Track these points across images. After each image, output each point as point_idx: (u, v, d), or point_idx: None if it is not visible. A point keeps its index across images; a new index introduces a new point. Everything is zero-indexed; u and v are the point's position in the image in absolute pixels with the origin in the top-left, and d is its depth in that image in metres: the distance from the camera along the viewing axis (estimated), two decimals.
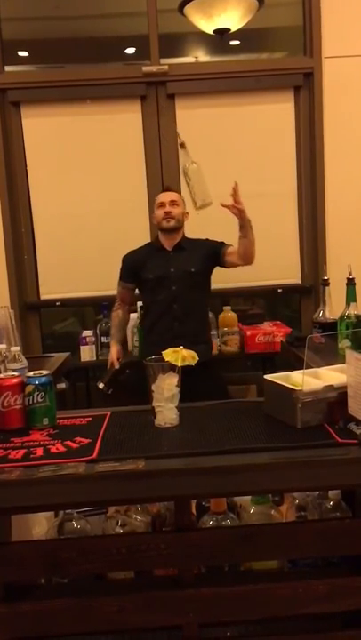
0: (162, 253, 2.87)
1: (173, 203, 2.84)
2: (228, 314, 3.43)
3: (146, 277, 2.85)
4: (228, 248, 2.81)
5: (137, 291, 3.00)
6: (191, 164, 2.91)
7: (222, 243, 2.86)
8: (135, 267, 2.89)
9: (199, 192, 3.21)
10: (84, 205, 3.50)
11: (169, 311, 2.81)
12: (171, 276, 2.81)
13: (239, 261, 2.77)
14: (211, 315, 3.37)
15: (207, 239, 2.94)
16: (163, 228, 2.85)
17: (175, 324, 2.79)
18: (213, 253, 2.84)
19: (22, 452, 1.36)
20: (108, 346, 3.32)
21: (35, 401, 1.50)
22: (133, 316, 3.37)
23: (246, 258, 2.73)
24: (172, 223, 2.83)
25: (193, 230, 2.99)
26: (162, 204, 2.85)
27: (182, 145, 2.97)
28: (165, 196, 2.88)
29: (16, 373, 1.58)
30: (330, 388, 1.44)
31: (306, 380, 1.43)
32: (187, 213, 2.94)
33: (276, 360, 3.27)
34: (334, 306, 2.48)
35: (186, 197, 3.14)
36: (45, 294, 3.56)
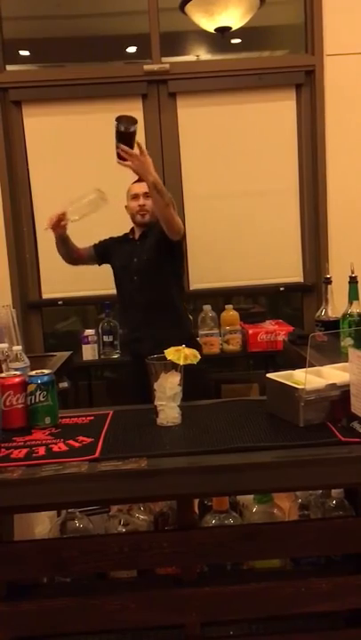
0: (129, 243, 2.82)
1: (147, 195, 2.67)
2: (230, 312, 3.42)
3: (113, 267, 2.83)
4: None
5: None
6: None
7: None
8: (107, 251, 2.85)
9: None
10: None
11: (133, 302, 2.73)
12: (133, 265, 2.73)
13: (165, 230, 2.56)
14: (212, 314, 3.37)
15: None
16: (137, 222, 2.77)
17: (139, 316, 2.70)
18: (161, 232, 2.60)
19: (24, 451, 1.36)
20: (110, 345, 3.34)
21: (37, 400, 1.50)
22: None
23: (163, 224, 2.54)
24: (147, 218, 2.73)
25: None
26: (136, 197, 2.74)
27: None
28: (138, 187, 2.73)
29: (18, 372, 1.58)
30: (333, 386, 1.44)
31: (308, 378, 1.43)
32: None
33: (279, 359, 3.26)
34: (337, 304, 2.48)
35: None
36: (47, 293, 3.56)
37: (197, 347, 2.39)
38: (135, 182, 2.78)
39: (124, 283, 2.78)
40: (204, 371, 2.82)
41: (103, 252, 2.88)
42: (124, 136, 2.41)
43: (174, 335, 2.58)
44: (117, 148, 2.42)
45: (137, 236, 2.82)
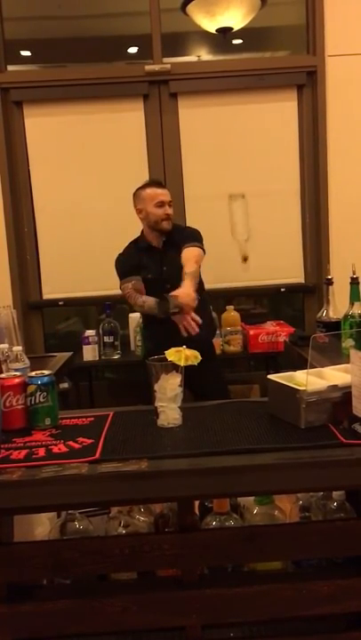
0: (154, 252, 2.79)
1: (170, 203, 2.75)
2: (231, 313, 3.42)
3: (142, 279, 2.76)
4: (184, 250, 2.68)
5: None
6: None
7: (190, 239, 2.73)
8: (133, 265, 2.78)
9: None
10: (86, 204, 3.49)
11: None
12: (164, 274, 2.74)
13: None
14: (214, 314, 3.36)
15: (185, 228, 2.86)
16: (162, 229, 2.75)
17: (162, 323, 2.67)
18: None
19: (24, 452, 1.35)
20: (111, 346, 3.33)
21: (37, 401, 1.49)
22: (136, 315, 3.37)
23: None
24: (171, 225, 2.76)
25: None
26: (162, 203, 2.73)
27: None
28: (164, 195, 2.75)
29: (18, 373, 1.57)
30: (334, 387, 1.43)
31: (310, 379, 1.42)
32: None
33: (280, 360, 3.26)
34: (338, 305, 2.47)
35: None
36: (48, 294, 3.56)
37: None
38: (156, 187, 2.78)
39: (154, 293, 2.68)
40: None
41: (138, 271, 2.79)
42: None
43: (207, 337, 2.82)
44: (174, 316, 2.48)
45: (159, 244, 2.79)
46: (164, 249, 2.78)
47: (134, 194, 2.84)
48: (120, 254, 2.85)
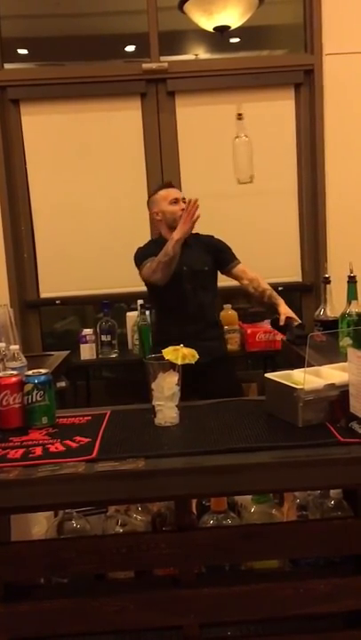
0: None
1: (184, 200, 2.75)
2: (229, 312, 3.41)
3: None
4: (239, 266, 2.82)
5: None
6: (242, 137, 2.76)
7: (233, 255, 2.84)
8: (154, 255, 2.70)
9: (243, 167, 3.01)
10: (83, 203, 3.49)
11: (181, 310, 2.73)
12: (183, 274, 2.72)
13: (243, 285, 2.83)
14: None
15: (212, 237, 2.89)
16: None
17: (188, 323, 2.71)
18: (221, 260, 2.82)
19: (21, 451, 1.35)
20: (109, 344, 3.32)
21: (34, 400, 1.49)
22: (133, 314, 3.36)
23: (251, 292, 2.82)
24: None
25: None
26: (176, 200, 2.75)
27: (240, 116, 2.82)
28: (177, 193, 2.79)
29: (15, 372, 1.57)
30: (331, 386, 1.43)
31: (307, 378, 1.42)
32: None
33: (277, 358, 3.26)
34: (335, 304, 2.48)
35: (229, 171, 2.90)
36: (45, 292, 3.55)
37: None
38: (167, 187, 2.82)
39: (171, 292, 2.69)
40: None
41: None
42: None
43: (219, 337, 2.91)
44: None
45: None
46: (184, 250, 2.70)
47: (148, 201, 2.88)
48: (140, 247, 2.85)
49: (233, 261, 2.83)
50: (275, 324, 2.64)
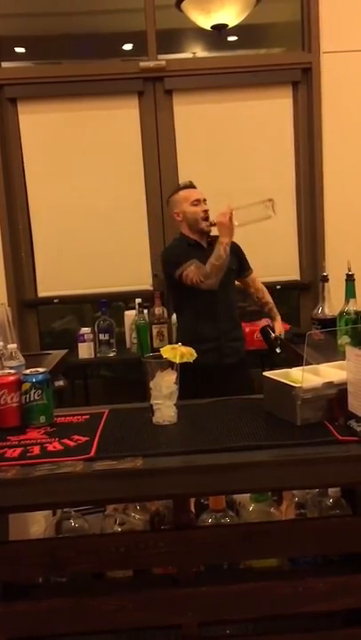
0: (199, 250, 2.72)
1: (205, 201, 2.73)
2: None
3: None
4: (251, 274, 2.88)
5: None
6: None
7: (247, 263, 2.87)
8: (185, 254, 2.67)
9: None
10: (81, 202, 3.48)
11: (213, 310, 2.69)
12: None
13: (248, 292, 2.92)
14: None
15: (232, 241, 2.82)
16: (202, 229, 2.71)
17: (220, 323, 2.69)
18: (242, 264, 2.84)
19: (19, 450, 1.35)
20: (107, 343, 3.32)
21: (31, 399, 1.48)
22: (131, 313, 3.36)
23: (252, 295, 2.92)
24: (210, 230, 2.71)
25: None
26: (197, 202, 2.71)
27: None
28: (199, 194, 2.74)
29: (13, 371, 1.57)
30: (330, 384, 1.43)
31: (305, 376, 1.42)
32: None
33: (275, 357, 3.25)
34: (333, 302, 2.47)
35: None
36: (43, 291, 3.55)
37: None
38: (188, 188, 2.78)
39: (200, 291, 2.62)
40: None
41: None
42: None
43: (242, 337, 2.91)
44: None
45: (205, 244, 2.75)
46: (210, 249, 2.67)
47: (168, 201, 2.84)
48: (167, 247, 2.83)
49: (249, 269, 2.87)
50: (265, 335, 2.71)
